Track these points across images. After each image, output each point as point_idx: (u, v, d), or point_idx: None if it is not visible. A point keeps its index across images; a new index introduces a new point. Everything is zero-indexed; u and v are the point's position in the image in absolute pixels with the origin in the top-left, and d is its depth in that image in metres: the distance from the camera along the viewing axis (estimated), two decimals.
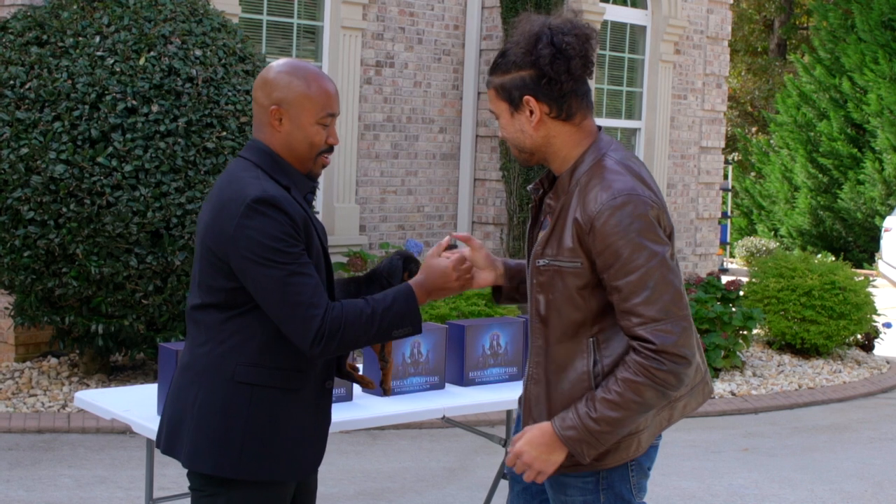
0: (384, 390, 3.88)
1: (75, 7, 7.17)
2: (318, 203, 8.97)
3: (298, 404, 2.83)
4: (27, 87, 6.82)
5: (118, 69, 6.79)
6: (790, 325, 9.95)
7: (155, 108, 6.74)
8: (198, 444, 2.78)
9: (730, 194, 18.28)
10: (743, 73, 27.75)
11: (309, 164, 2.87)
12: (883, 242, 17.71)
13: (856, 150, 19.48)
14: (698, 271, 12.42)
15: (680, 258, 12.11)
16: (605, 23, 11.33)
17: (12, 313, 7.40)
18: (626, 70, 11.76)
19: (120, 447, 6.43)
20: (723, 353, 9.06)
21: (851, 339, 10.57)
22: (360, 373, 3.34)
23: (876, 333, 10.72)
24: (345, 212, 9.60)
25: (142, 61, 6.84)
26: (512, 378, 4.46)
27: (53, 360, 7.98)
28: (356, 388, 4.11)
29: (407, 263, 3.18)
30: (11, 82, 6.86)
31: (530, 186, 2.95)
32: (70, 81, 6.77)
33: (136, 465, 6.05)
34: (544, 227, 2.83)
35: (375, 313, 2.78)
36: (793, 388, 9.04)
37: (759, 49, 28.43)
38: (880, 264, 17.76)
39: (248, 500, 2.80)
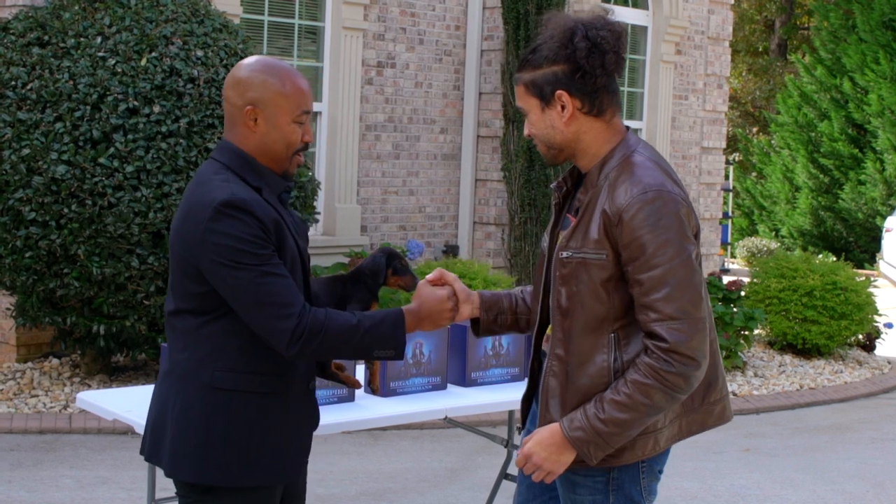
0: (373, 389, 3.85)
1: (77, 8, 7.18)
2: (320, 203, 8.97)
3: (280, 408, 2.79)
4: (29, 87, 6.82)
5: (120, 70, 6.79)
6: (791, 325, 9.95)
7: (156, 108, 6.74)
8: (178, 452, 2.75)
9: (731, 195, 18.29)
10: (744, 74, 27.75)
11: (284, 163, 2.82)
12: (884, 243, 17.72)
13: (857, 150, 19.48)
14: None
15: None
16: None
17: (14, 314, 7.40)
18: (628, 70, 11.75)
19: (121, 448, 6.43)
20: (724, 353, 9.07)
21: (853, 339, 10.57)
22: (346, 372, 3.29)
23: (877, 334, 10.72)
24: (346, 212, 9.60)
25: (143, 62, 6.84)
26: (514, 378, 4.46)
27: (55, 361, 7.98)
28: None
29: (391, 261, 3.14)
30: (13, 83, 6.86)
31: (553, 184, 2.94)
32: (72, 82, 6.77)
33: (138, 466, 6.05)
34: (565, 227, 2.84)
35: (360, 327, 2.74)
36: (794, 389, 9.04)
37: (759, 49, 28.43)
38: (881, 264, 17.76)
39: None
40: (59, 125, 6.69)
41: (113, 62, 6.81)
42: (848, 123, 19.68)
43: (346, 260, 9.03)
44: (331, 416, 3.70)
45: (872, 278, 10.74)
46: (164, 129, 6.72)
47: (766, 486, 6.41)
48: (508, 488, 5.38)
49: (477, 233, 10.51)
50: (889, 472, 6.81)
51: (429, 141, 10.24)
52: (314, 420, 2.98)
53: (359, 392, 4.10)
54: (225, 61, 7.12)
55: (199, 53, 7.02)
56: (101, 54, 6.86)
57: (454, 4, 10.29)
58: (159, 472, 4.04)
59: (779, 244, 19.83)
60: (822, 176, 19.90)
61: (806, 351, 10.20)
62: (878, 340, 10.82)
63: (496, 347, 4.44)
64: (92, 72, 6.80)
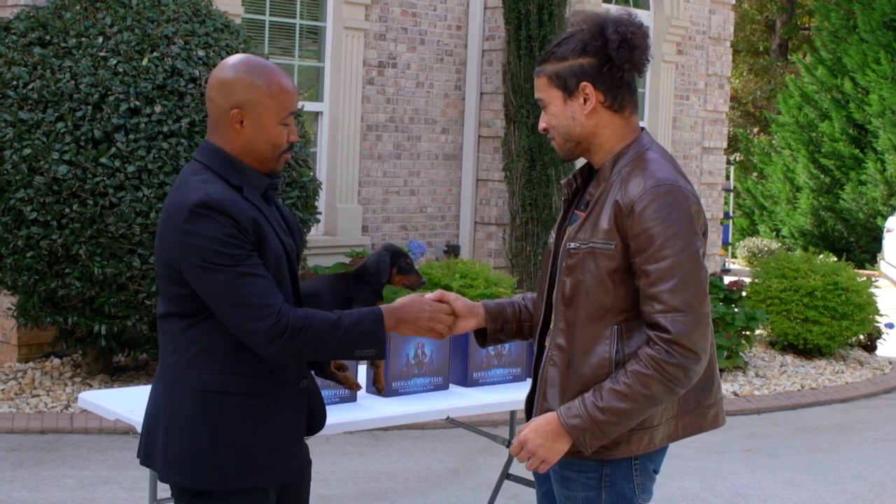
0: (377, 389, 3.81)
1: (78, 7, 7.18)
2: (321, 203, 8.96)
3: (271, 408, 2.77)
4: (30, 87, 6.82)
5: (121, 70, 6.79)
6: (793, 325, 9.94)
7: (158, 108, 6.74)
8: (171, 456, 2.75)
9: (732, 195, 18.27)
10: (745, 74, 27.75)
11: (271, 163, 2.80)
12: (885, 243, 17.71)
13: (857, 150, 19.47)
14: None
15: None
16: None
17: (15, 314, 7.40)
18: None
19: (123, 448, 6.43)
20: (725, 353, 9.07)
21: (854, 339, 10.57)
22: (347, 373, 3.26)
23: (878, 334, 10.72)
24: (347, 212, 9.60)
25: (145, 62, 6.84)
26: (516, 379, 4.46)
27: (56, 361, 7.98)
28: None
29: (395, 259, 3.09)
30: (14, 83, 6.87)
31: (564, 180, 2.97)
32: (73, 82, 6.77)
33: (139, 466, 5.99)
34: (573, 222, 2.86)
35: (341, 325, 2.71)
36: (795, 389, 9.04)
37: (760, 49, 28.42)
38: (882, 265, 17.76)
39: None
40: (60, 125, 6.69)
41: (114, 62, 6.82)
42: (849, 123, 19.67)
43: (347, 260, 9.04)
44: (333, 417, 3.69)
45: (873, 278, 10.74)
46: (165, 128, 6.72)
47: (767, 486, 6.41)
48: (510, 488, 5.38)
49: (478, 233, 10.51)
50: (890, 473, 6.81)
51: (430, 141, 10.24)
52: (321, 418, 2.97)
53: (361, 392, 4.09)
54: None
55: (201, 53, 7.02)
56: (102, 54, 6.86)
57: (455, 4, 10.29)
58: None
59: (780, 244, 19.83)
60: (822, 176, 19.90)
61: (807, 351, 10.20)
62: (879, 341, 10.82)
63: (498, 348, 4.44)
64: (93, 71, 6.80)
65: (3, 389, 7.33)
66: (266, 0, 9.27)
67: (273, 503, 2.86)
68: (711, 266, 12.67)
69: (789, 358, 10.05)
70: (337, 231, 9.51)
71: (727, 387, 8.81)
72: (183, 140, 6.75)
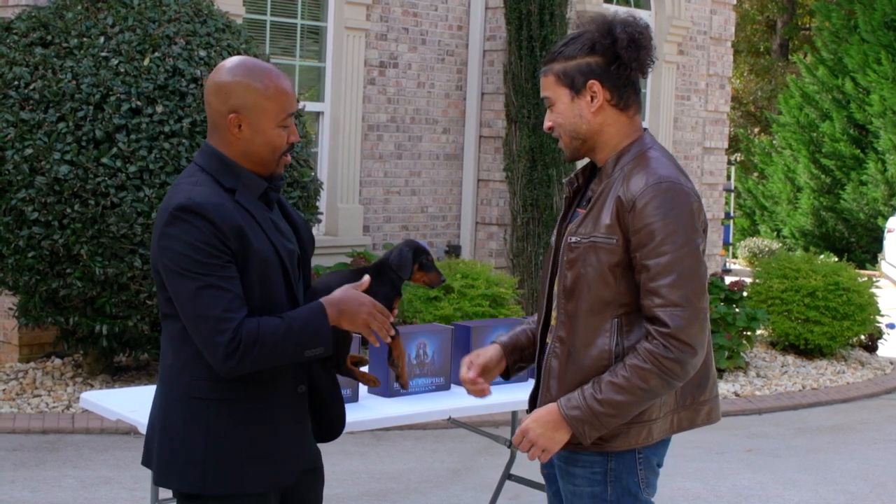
0: (401, 385, 3.73)
1: (79, 8, 7.18)
2: (322, 203, 8.97)
3: (264, 414, 2.74)
4: (31, 87, 6.83)
5: (122, 70, 6.80)
6: (794, 325, 9.94)
7: (159, 108, 6.75)
8: (163, 459, 2.75)
9: (732, 195, 18.27)
10: (745, 74, 27.74)
11: (271, 166, 2.77)
12: (886, 243, 17.70)
13: (858, 150, 19.47)
14: None
15: None
16: None
17: (16, 314, 7.40)
18: None
19: (124, 448, 6.43)
20: (727, 353, 9.06)
21: (855, 339, 10.57)
22: (366, 369, 3.20)
23: (879, 334, 10.72)
24: (348, 212, 9.60)
25: (146, 62, 6.85)
26: (517, 379, 4.45)
27: (57, 361, 7.98)
28: (362, 388, 4.08)
29: (417, 255, 3.02)
30: (16, 83, 6.87)
31: (566, 179, 3.01)
32: (74, 82, 6.77)
33: (140, 466, 6.02)
34: (573, 219, 2.91)
35: (292, 330, 2.64)
36: (796, 389, 9.04)
37: (761, 49, 28.42)
38: (883, 265, 17.75)
39: None
40: (61, 125, 6.69)
41: (116, 62, 6.82)
42: (850, 124, 19.67)
43: (348, 260, 9.04)
44: None
45: (874, 279, 10.74)
46: (166, 129, 6.72)
47: (768, 486, 6.41)
48: (511, 489, 5.38)
49: (479, 233, 10.51)
50: (891, 473, 6.81)
51: (431, 141, 10.24)
52: (337, 426, 2.96)
53: (362, 392, 4.09)
54: None
55: (202, 53, 7.02)
56: (103, 54, 6.86)
57: (456, 4, 10.29)
58: None
59: (780, 244, 19.82)
60: (823, 176, 19.89)
61: (808, 351, 10.20)
62: (880, 341, 10.82)
63: None
64: (95, 72, 6.80)
65: (4, 389, 7.33)
66: (267, 0, 9.27)
67: None
68: (712, 266, 12.66)
69: (790, 358, 10.05)
70: (338, 231, 9.51)
71: (728, 387, 8.81)
72: (184, 140, 6.75)
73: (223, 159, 2.73)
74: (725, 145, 12.87)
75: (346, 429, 3.91)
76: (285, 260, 2.75)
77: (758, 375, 9.34)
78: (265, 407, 2.74)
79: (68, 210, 6.64)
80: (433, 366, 4.23)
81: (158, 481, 2.79)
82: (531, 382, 3.24)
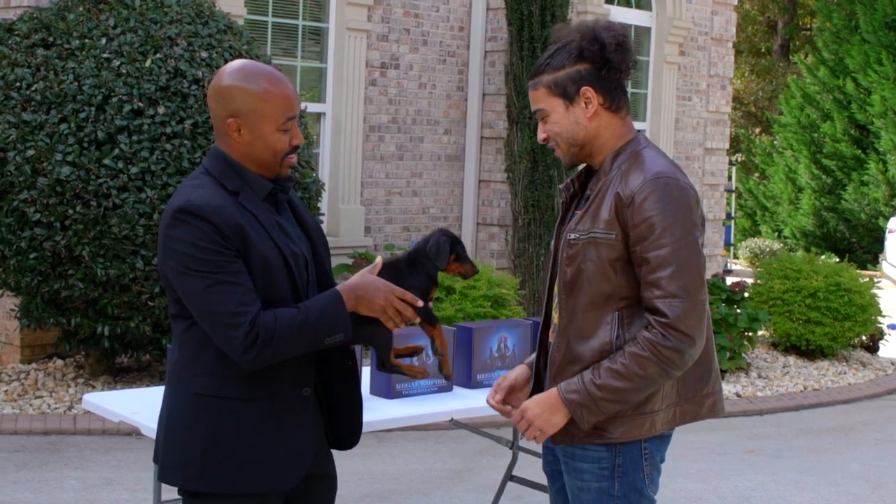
0: (446, 377, 3.69)
1: (81, 9, 7.18)
2: (323, 204, 8.97)
3: (267, 414, 2.72)
4: (33, 88, 6.83)
5: (124, 71, 6.80)
6: (795, 326, 9.94)
7: (161, 109, 6.75)
8: (167, 456, 2.76)
9: (733, 195, 18.27)
10: (746, 74, 27.74)
11: (274, 168, 2.78)
12: (887, 244, 17.69)
13: (859, 151, 19.47)
14: None
15: None
16: None
17: (18, 315, 7.40)
18: None
19: (126, 449, 6.44)
20: (728, 354, 9.06)
21: (856, 340, 10.57)
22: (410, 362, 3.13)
23: (881, 335, 10.72)
24: (350, 213, 9.60)
25: (148, 63, 6.85)
26: None
27: (59, 362, 7.98)
28: (362, 389, 4.07)
29: (454, 246, 3.00)
30: (18, 84, 6.87)
31: (562, 185, 3.06)
32: (76, 83, 6.78)
33: (143, 467, 6.05)
34: (572, 220, 2.95)
35: (308, 319, 2.65)
36: (798, 390, 9.04)
37: (762, 50, 28.42)
38: (884, 266, 17.74)
39: None
40: (63, 126, 6.69)
41: (117, 63, 6.82)
42: (851, 124, 19.67)
43: (349, 261, 9.05)
44: None
45: (876, 279, 10.74)
46: (168, 130, 6.73)
47: (770, 487, 6.41)
48: (513, 490, 5.38)
49: (480, 234, 10.51)
50: (893, 473, 6.81)
51: (432, 142, 10.25)
52: (349, 437, 2.97)
53: (364, 394, 4.09)
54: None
55: (204, 55, 7.03)
56: (105, 55, 6.86)
57: (458, 6, 10.30)
58: None
59: (781, 245, 19.83)
60: (824, 177, 19.89)
61: (810, 352, 10.20)
62: (881, 342, 10.82)
63: (501, 349, 4.44)
64: (96, 73, 6.80)
65: (6, 391, 7.33)
66: (269, 1, 9.28)
67: None
68: (713, 267, 12.67)
69: (792, 359, 10.05)
70: (339, 232, 9.51)
71: (730, 388, 8.81)
72: (186, 141, 6.76)
73: (228, 161, 2.75)
74: (726, 146, 12.87)
75: None
76: (290, 262, 2.74)
77: (759, 376, 9.34)
78: (269, 407, 2.73)
79: (70, 211, 6.64)
80: (435, 367, 4.23)
81: (161, 477, 2.80)
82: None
